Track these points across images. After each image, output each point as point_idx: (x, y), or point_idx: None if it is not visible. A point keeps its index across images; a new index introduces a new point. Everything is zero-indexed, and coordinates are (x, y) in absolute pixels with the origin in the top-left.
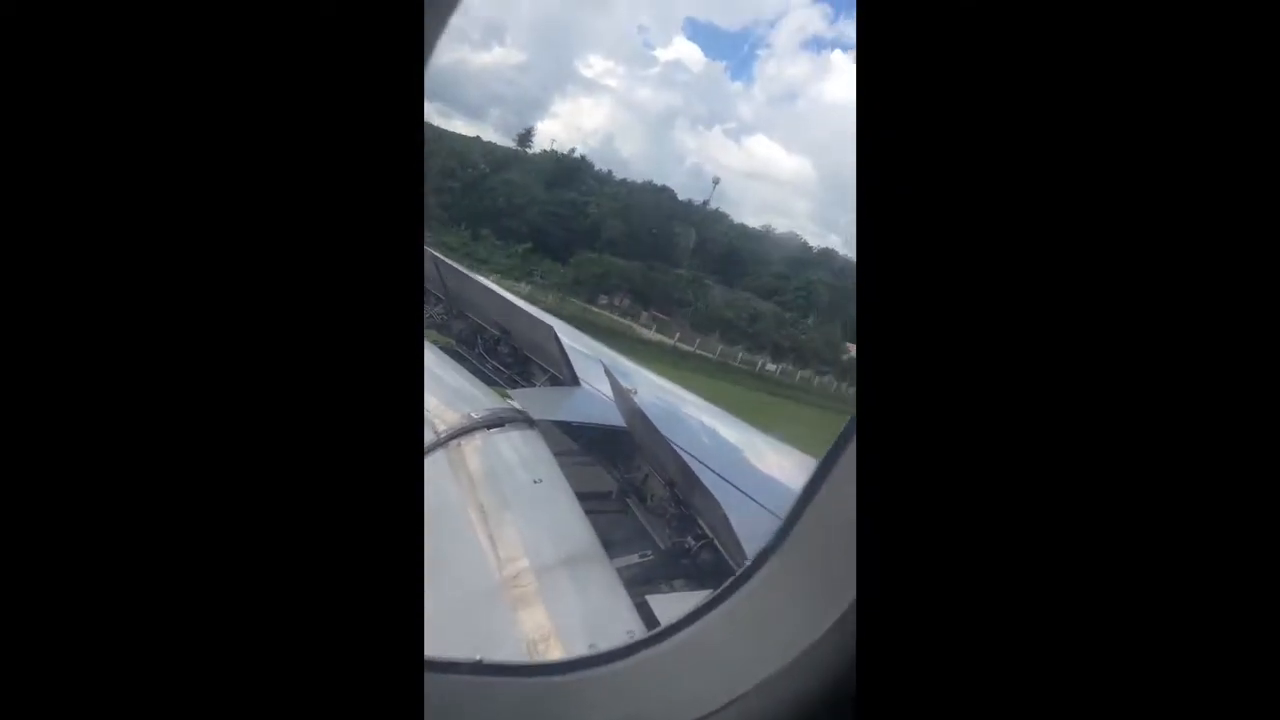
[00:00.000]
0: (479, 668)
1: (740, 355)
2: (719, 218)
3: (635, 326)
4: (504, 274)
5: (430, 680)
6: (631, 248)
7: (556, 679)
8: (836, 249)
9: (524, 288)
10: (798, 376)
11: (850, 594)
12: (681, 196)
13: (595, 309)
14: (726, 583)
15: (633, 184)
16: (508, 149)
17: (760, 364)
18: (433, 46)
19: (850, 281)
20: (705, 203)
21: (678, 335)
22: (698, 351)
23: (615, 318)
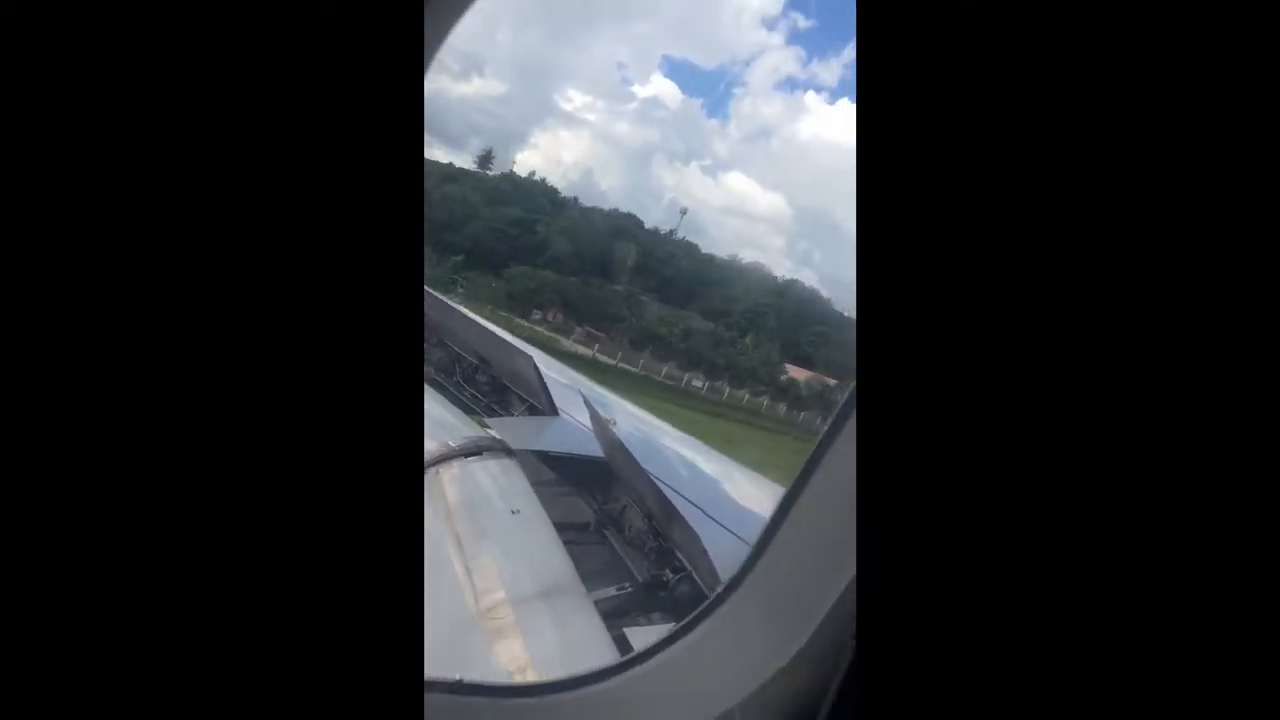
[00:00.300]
0: (460, 687)
1: (665, 371)
2: (684, 246)
3: (560, 339)
4: (428, 285)
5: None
6: (576, 266)
7: (536, 700)
8: (805, 281)
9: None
10: (726, 394)
11: (816, 619)
12: (651, 227)
13: (526, 323)
14: (698, 609)
15: (594, 209)
16: (467, 170)
17: (686, 380)
18: (429, 64)
19: (802, 307)
20: (672, 232)
21: (596, 347)
22: (619, 365)
23: (541, 330)
